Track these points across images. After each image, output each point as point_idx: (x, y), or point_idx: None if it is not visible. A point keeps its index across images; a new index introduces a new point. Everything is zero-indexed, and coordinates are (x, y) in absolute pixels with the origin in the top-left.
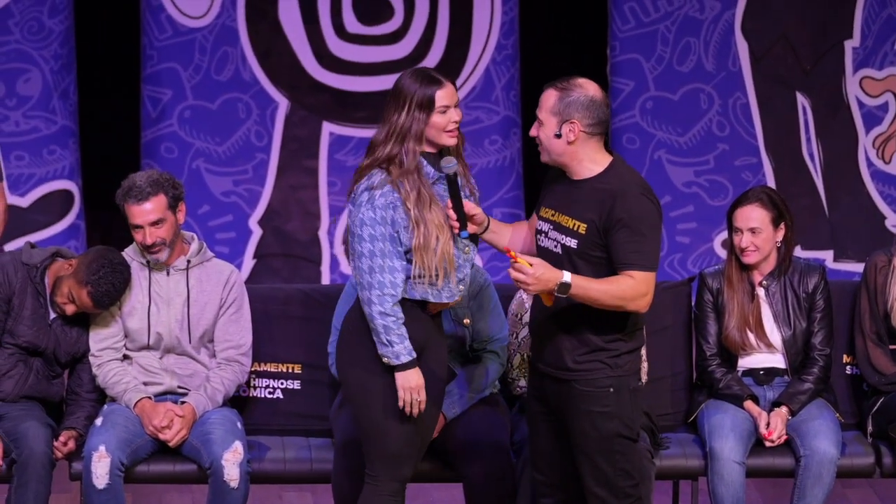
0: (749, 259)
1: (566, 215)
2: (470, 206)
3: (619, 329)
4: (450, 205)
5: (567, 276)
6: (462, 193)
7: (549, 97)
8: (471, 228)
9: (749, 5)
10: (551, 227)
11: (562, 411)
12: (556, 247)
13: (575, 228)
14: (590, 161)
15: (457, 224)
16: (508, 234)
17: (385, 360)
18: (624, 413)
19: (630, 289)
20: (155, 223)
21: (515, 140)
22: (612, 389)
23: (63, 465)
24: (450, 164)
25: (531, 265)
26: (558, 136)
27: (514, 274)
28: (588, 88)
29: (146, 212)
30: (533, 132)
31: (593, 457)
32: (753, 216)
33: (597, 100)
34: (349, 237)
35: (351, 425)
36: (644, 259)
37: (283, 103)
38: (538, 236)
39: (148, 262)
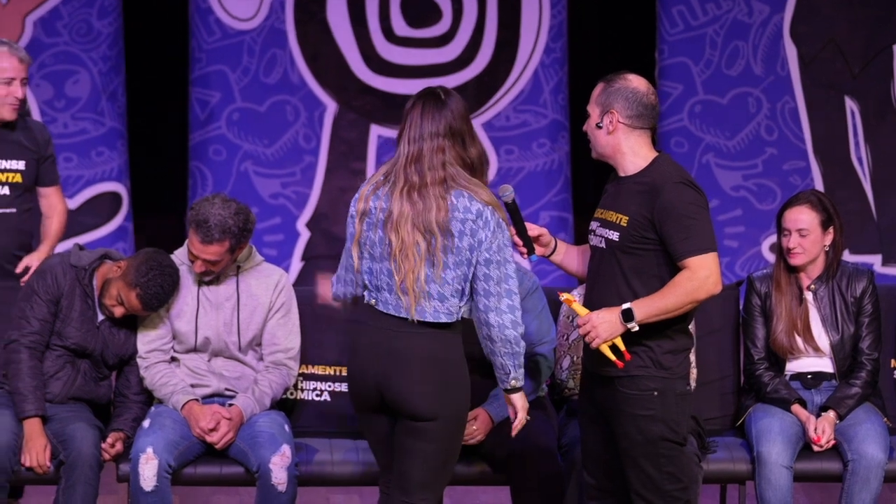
0: (795, 260)
1: (611, 210)
2: (535, 229)
3: (664, 327)
4: (513, 231)
5: (626, 304)
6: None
7: (596, 89)
8: (538, 251)
9: (798, 9)
10: (599, 224)
11: (609, 414)
12: (601, 242)
13: (617, 222)
14: (633, 155)
15: (523, 249)
16: (576, 257)
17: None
18: (669, 417)
19: (689, 280)
20: (211, 262)
21: (564, 143)
22: (656, 393)
23: (110, 466)
24: (507, 191)
25: (588, 312)
26: (599, 126)
27: (580, 330)
28: (632, 81)
29: (206, 252)
30: (584, 127)
31: (638, 460)
32: (802, 218)
33: (639, 92)
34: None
35: None
36: (694, 244)
37: (331, 106)
38: (589, 235)
39: None
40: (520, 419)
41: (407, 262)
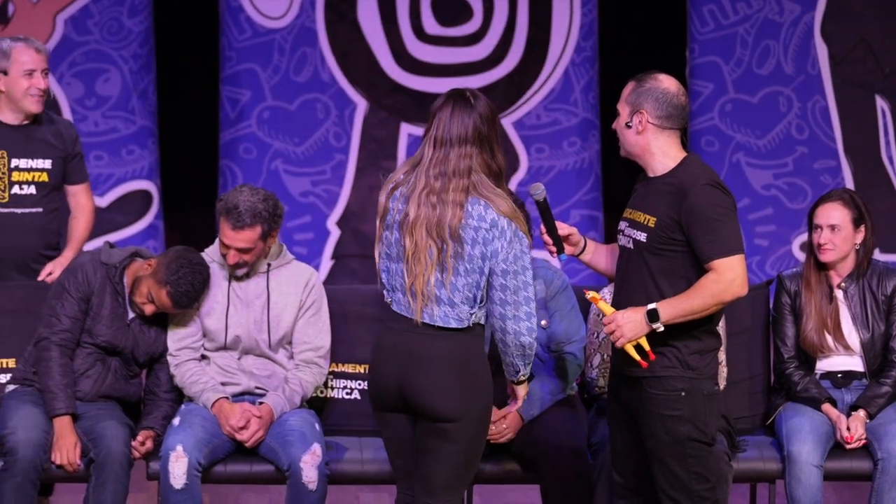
0: (825, 257)
1: (639, 211)
2: (564, 228)
3: (691, 328)
4: (544, 230)
5: (652, 304)
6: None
7: (627, 88)
8: (567, 250)
9: (828, 8)
10: (627, 224)
11: (636, 414)
12: (629, 243)
13: (645, 222)
14: (662, 155)
15: (553, 248)
16: (606, 256)
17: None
18: (697, 417)
19: (714, 282)
20: (243, 250)
21: (594, 142)
22: (683, 393)
23: (140, 464)
24: (538, 190)
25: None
26: (629, 125)
27: (605, 329)
28: (662, 81)
29: (238, 239)
30: (613, 125)
31: (666, 460)
32: (834, 214)
33: (669, 93)
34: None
35: None
36: (722, 246)
37: (361, 104)
38: (617, 235)
39: None
40: (519, 405)
41: (419, 265)
